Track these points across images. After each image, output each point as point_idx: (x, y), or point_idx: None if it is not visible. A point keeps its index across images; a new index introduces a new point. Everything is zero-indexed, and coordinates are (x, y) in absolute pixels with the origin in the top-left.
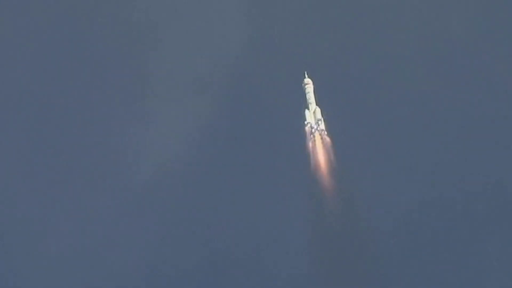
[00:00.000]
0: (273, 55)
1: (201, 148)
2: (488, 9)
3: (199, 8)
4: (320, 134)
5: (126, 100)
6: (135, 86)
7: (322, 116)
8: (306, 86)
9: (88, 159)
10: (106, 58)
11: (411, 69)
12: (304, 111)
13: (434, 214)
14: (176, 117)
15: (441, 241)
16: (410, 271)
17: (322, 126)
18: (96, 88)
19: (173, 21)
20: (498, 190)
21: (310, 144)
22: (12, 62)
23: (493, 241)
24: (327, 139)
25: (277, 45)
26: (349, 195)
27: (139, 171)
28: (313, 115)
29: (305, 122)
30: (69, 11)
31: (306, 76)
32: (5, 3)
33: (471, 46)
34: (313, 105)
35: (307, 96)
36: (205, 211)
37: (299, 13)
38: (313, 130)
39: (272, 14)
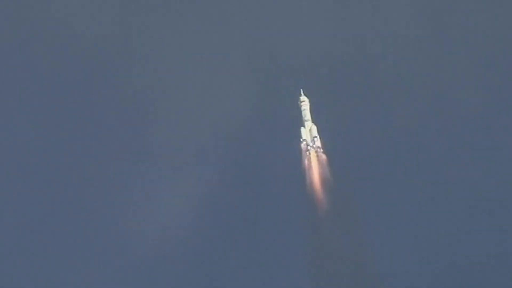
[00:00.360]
0: (275, 121)
1: (204, 220)
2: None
3: (200, 77)
4: (316, 152)
5: (128, 171)
6: (137, 157)
7: (318, 133)
8: (302, 104)
9: (91, 232)
10: (108, 129)
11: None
12: (300, 128)
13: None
14: (178, 187)
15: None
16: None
17: (318, 143)
18: (97, 159)
19: (174, 91)
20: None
21: (306, 162)
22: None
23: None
24: (323, 156)
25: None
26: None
27: (142, 243)
28: (309, 133)
29: (301, 140)
30: (70, 82)
31: (302, 93)
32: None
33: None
34: (309, 123)
35: (303, 114)
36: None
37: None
38: (309, 148)
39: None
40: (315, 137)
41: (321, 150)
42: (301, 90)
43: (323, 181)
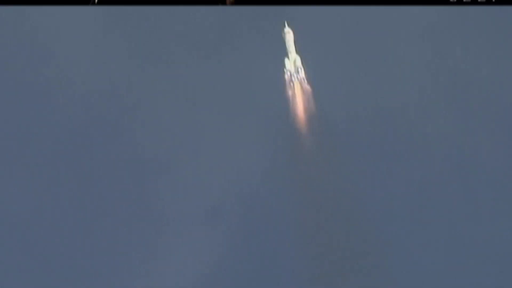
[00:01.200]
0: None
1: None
2: None
3: (210, 138)
4: (300, 83)
5: (135, 234)
6: (144, 219)
7: (302, 65)
8: (286, 35)
9: None
10: (115, 189)
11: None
12: (284, 59)
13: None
14: (187, 250)
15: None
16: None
17: (302, 74)
18: (103, 222)
19: (183, 153)
20: None
21: (290, 92)
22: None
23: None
24: (307, 87)
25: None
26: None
27: None
28: (293, 64)
29: (285, 70)
30: (75, 144)
31: (286, 25)
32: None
33: None
34: (293, 54)
35: (287, 45)
36: None
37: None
38: (293, 78)
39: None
40: (299, 67)
41: (305, 81)
42: (285, 22)
43: (307, 112)
